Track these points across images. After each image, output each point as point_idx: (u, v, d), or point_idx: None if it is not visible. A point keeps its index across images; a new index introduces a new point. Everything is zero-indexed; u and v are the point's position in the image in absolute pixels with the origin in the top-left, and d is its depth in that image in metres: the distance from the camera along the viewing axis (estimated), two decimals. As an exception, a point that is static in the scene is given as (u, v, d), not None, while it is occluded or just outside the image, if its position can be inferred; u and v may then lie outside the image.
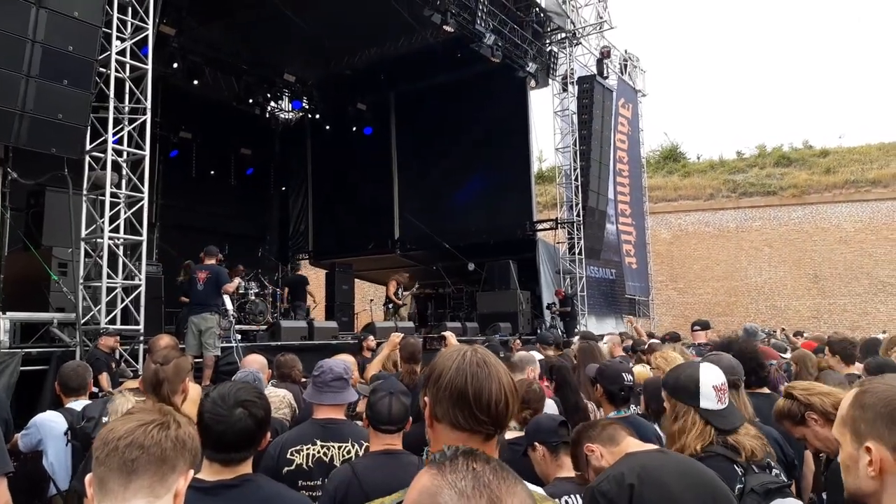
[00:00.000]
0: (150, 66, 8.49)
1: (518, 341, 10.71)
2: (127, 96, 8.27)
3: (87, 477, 1.38)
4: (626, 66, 20.72)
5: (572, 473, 2.64)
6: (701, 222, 27.17)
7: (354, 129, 19.63)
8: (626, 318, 19.30)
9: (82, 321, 7.58)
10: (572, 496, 2.49)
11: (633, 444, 2.25)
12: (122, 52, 8.27)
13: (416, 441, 2.87)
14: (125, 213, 8.08)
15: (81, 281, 7.78)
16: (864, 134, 60.94)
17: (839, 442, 1.40)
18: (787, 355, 6.37)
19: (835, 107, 61.60)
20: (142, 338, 7.76)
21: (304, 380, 5.06)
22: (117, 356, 7.52)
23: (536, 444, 2.80)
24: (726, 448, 2.32)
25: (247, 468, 2.04)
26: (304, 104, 20.58)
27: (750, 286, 25.86)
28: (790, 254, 25.59)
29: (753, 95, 66.79)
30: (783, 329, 15.09)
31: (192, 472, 1.44)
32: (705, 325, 7.53)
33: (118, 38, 8.22)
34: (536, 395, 3.43)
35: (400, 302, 14.27)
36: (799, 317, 24.09)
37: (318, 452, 3.00)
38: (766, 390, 3.58)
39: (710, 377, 2.40)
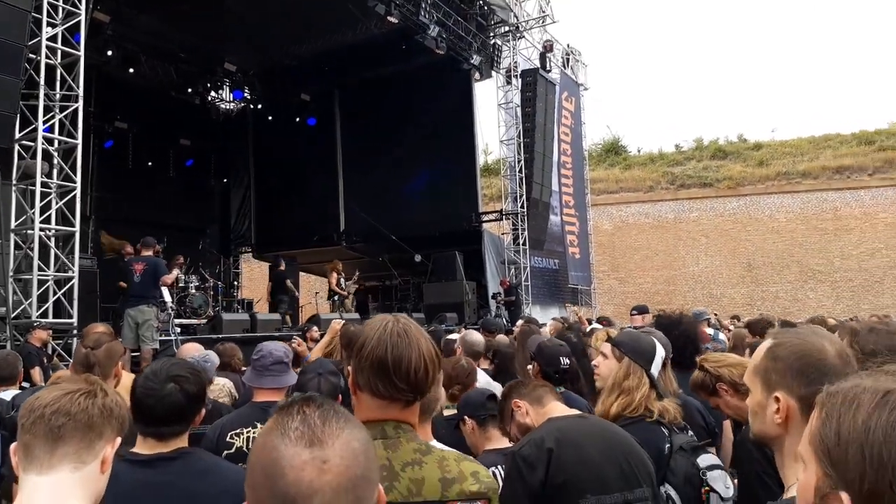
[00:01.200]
0: (82, 53, 8.24)
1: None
2: (58, 83, 8.01)
3: (13, 445, 1.37)
4: (568, 60, 21.02)
5: (500, 445, 2.73)
6: (641, 213, 27.86)
7: (298, 119, 19.37)
8: (568, 307, 19.67)
9: (12, 315, 7.34)
10: (499, 467, 2.57)
11: (557, 409, 2.34)
12: (53, 38, 8.00)
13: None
14: (57, 203, 7.83)
15: (11, 274, 7.53)
16: (795, 128, 63.31)
17: (749, 389, 1.50)
18: (721, 337, 7.02)
19: (768, 101, 63.96)
20: (75, 332, 7.56)
21: (243, 369, 5.03)
22: (50, 351, 7.31)
23: (466, 417, 2.87)
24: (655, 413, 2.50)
25: (182, 443, 2.04)
26: (245, 94, 20.20)
27: (687, 275, 26.67)
28: (725, 243, 26.48)
29: (692, 90, 68.71)
30: (716, 314, 15.65)
31: (119, 439, 1.44)
32: (643, 310, 7.77)
33: (49, 23, 7.94)
34: (464, 371, 3.50)
35: (345, 292, 14.20)
36: (734, 304, 24.97)
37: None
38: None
39: (662, 351, 2.67)
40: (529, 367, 3.65)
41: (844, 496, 0.85)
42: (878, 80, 61.32)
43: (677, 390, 3.04)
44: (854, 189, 25.78)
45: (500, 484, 2.48)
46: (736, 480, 2.33)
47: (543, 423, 2.24)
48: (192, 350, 4.26)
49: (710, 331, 7.26)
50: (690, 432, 2.60)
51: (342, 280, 14.24)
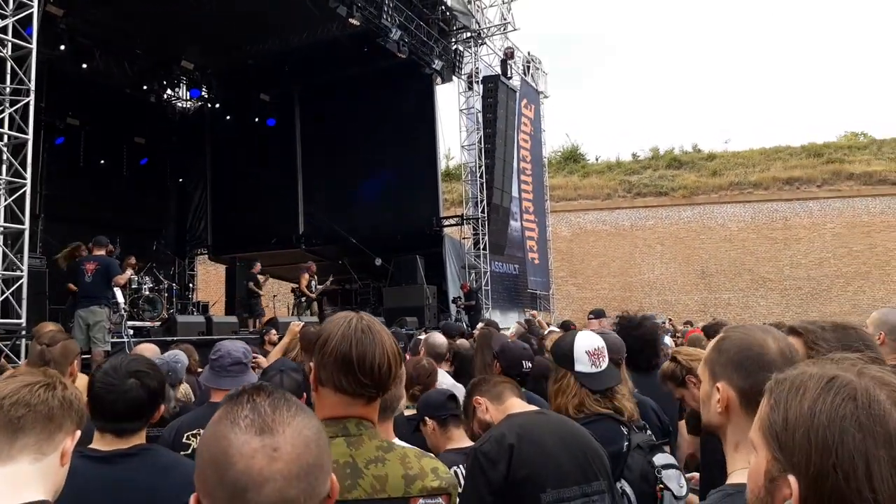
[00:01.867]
0: (34, 46, 7.98)
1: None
2: (9, 77, 7.75)
3: None
4: (528, 67, 21.25)
5: (461, 444, 2.74)
6: (599, 221, 28.29)
7: (257, 120, 19.09)
8: (528, 311, 19.82)
9: (-43, 315, 7.07)
10: (460, 466, 2.58)
11: (516, 405, 2.38)
12: (3, 30, 7.73)
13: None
14: (6, 199, 7.57)
15: (-44, 272, 7.25)
16: (748, 139, 65.14)
17: (701, 379, 1.56)
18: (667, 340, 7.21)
19: (722, 113, 65.63)
20: (24, 332, 7.31)
21: (199, 370, 4.94)
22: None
23: (426, 418, 2.87)
24: (613, 409, 2.52)
25: (141, 439, 2.01)
26: (203, 93, 19.84)
27: (643, 281, 27.15)
28: (680, 251, 27.06)
29: (649, 100, 70.08)
30: (670, 319, 15.99)
31: (79, 432, 1.42)
32: (600, 314, 7.92)
33: (-1, 14, 7.70)
34: (425, 371, 3.50)
35: (313, 295, 14.04)
36: (688, 310, 25.50)
37: (216, 436, 2.95)
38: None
39: (584, 343, 2.60)
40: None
41: (792, 479, 0.88)
42: (828, 95, 63.64)
43: (632, 389, 3.10)
44: (803, 200, 26.63)
45: (461, 482, 2.50)
46: (692, 476, 2.39)
47: (503, 419, 2.27)
48: (148, 350, 4.17)
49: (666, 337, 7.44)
50: (649, 431, 2.64)
51: (313, 283, 14.07)
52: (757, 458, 0.97)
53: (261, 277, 13.68)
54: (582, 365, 2.55)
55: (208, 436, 0.90)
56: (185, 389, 4.33)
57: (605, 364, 2.60)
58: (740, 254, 26.48)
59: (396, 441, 2.21)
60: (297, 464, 0.87)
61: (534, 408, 2.43)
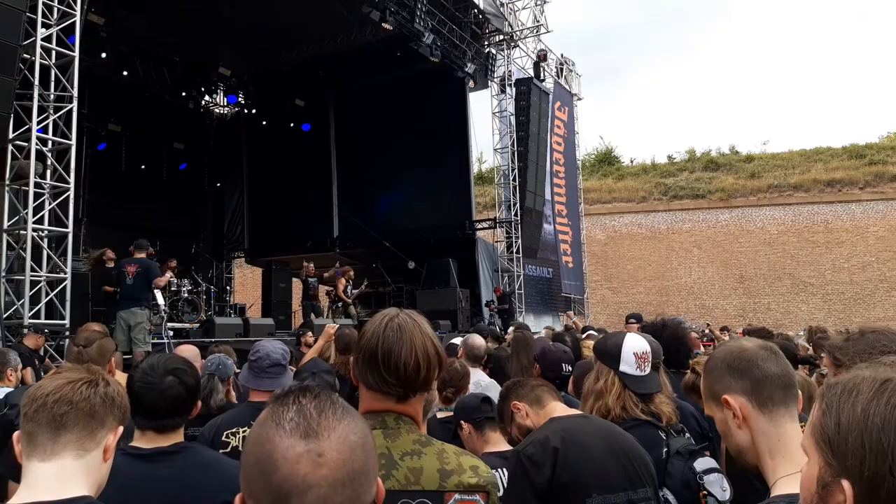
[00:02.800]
0: (76, 54, 8.21)
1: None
2: (52, 84, 7.99)
3: (16, 434, 1.37)
4: (562, 69, 21.14)
5: (499, 447, 2.72)
6: (634, 224, 27.96)
7: (292, 125, 19.36)
8: (563, 315, 19.71)
9: (4, 315, 7.28)
10: (499, 470, 2.56)
11: (558, 409, 2.33)
12: (47, 39, 7.98)
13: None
14: (50, 204, 7.79)
15: (3, 274, 7.47)
16: (786, 141, 63.94)
17: (714, 414, 1.53)
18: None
19: (760, 114, 64.45)
20: (67, 333, 7.50)
21: (237, 371, 5.00)
22: (42, 353, 7.25)
23: (462, 422, 2.86)
24: (651, 415, 2.46)
25: (180, 436, 2.04)
26: (239, 98, 20.18)
27: (680, 286, 26.75)
28: (718, 255, 26.60)
29: (685, 101, 69.19)
30: (708, 324, 15.71)
31: (121, 428, 1.44)
32: (639, 318, 7.82)
33: (44, 24, 7.93)
34: (457, 374, 3.49)
35: (349, 300, 14.13)
36: (726, 315, 25.05)
37: (255, 435, 2.98)
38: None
39: (632, 345, 2.53)
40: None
41: (846, 484, 0.86)
42: (869, 95, 62.05)
43: (671, 394, 3.05)
44: (845, 202, 25.99)
45: (502, 485, 2.47)
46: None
47: (546, 422, 2.23)
48: (189, 351, 4.24)
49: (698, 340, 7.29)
50: (688, 435, 2.57)
51: (349, 288, 14.17)
52: (809, 464, 0.95)
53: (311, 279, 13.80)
54: (627, 366, 2.50)
55: (253, 437, 0.89)
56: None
57: (648, 369, 2.54)
58: (780, 257, 25.93)
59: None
60: (342, 470, 0.85)
61: (576, 411, 2.39)
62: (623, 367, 2.49)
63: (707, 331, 12.95)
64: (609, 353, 2.55)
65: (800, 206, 26.38)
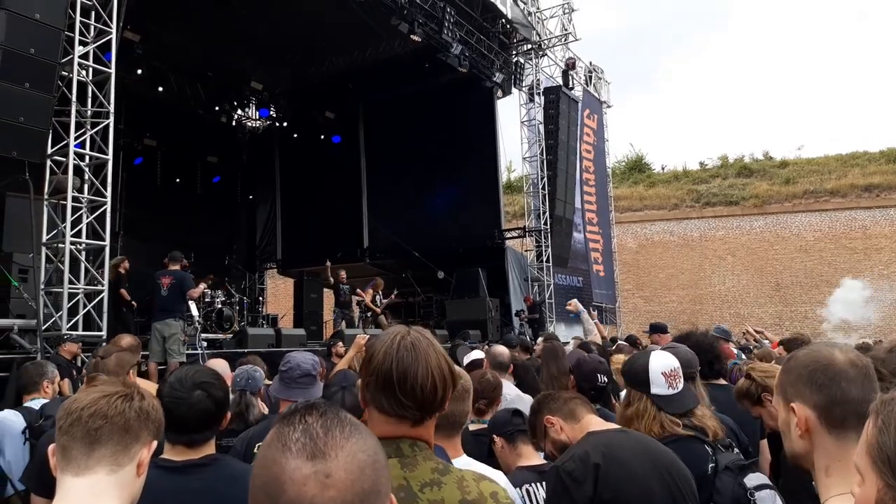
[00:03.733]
0: (113, 71, 8.39)
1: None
2: (89, 100, 8.16)
3: (51, 447, 1.38)
4: (590, 77, 21.05)
5: (532, 462, 2.68)
6: (666, 231, 27.62)
7: (323, 137, 19.61)
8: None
9: (43, 327, 7.43)
10: (533, 485, 2.51)
11: (594, 423, 2.29)
12: (84, 56, 8.16)
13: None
14: (87, 217, 7.94)
15: (42, 287, 7.62)
16: (822, 145, 62.70)
17: (778, 410, 1.47)
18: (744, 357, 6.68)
19: (794, 119, 63.35)
20: (104, 344, 7.63)
21: (267, 382, 5.03)
22: (79, 363, 7.37)
23: (495, 437, 2.83)
24: (694, 429, 2.39)
25: (211, 448, 2.04)
26: (271, 112, 20.49)
27: (714, 294, 26.32)
28: (752, 262, 26.12)
29: (716, 107, 68.33)
30: (746, 332, 15.29)
31: (155, 443, 1.44)
32: (662, 329, 7.66)
33: (81, 41, 8.11)
34: (490, 385, 3.44)
35: (378, 310, 14.18)
36: (762, 324, 24.47)
37: (285, 447, 2.98)
38: (722, 382, 3.68)
39: (659, 364, 2.45)
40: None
41: None
42: (907, 98, 60.50)
43: (709, 406, 2.98)
44: (884, 207, 25.35)
45: (537, 501, 2.42)
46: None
47: (584, 437, 2.18)
48: (219, 365, 4.28)
49: (734, 350, 7.10)
50: (737, 450, 2.48)
51: (378, 298, 14.22)
52: (865, 486, 0.90)
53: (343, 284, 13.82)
54: (658, 387, 2.42)
55: (260, 460, 0.87)
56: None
57: (681, 385, 2.46)
58: (817, 264, 25.37)
59: (458, 460, 2.16)
60: (351, 491, 0.82)
61: (614, 425, 2.34)
62: (654, 390, 2.42)
63: (744, 340, 12.67)
64: (637, 376, 2.48)
65: (837, 211, 25.80)
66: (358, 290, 14.18)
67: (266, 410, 4.28)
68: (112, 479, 1.34)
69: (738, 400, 2.90)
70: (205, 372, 2.17)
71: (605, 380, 3.33)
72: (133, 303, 11.08)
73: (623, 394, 2.61)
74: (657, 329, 7.54)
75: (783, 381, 1.43)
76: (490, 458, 2.71)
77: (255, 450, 2.98)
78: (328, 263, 14.12)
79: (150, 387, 2.80)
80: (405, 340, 1.46)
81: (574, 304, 6.94)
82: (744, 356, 7.44)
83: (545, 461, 2.71)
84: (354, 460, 0.85)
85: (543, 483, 2.44)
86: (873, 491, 0.87)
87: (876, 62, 68.58)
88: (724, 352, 4.75)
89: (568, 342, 8.73)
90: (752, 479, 2.25)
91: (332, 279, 13.84)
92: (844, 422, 1.32)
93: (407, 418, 1.44)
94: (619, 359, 4.60)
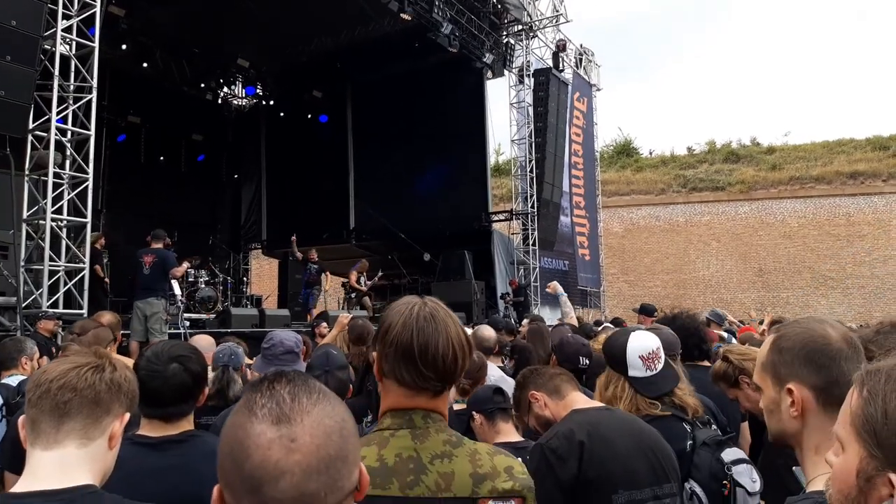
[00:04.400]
0: (96, 45, 8.26)
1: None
2: (72, 75, 8.04)
3: (20, 419, 1.36)
4: (581, 60, 20.95)
5: (510, 438, 2.69)
6: (652, 216, 27.72)
7: (310, 116, 19.42)
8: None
9: (23, 305, 7.35)
10: None
11: (579, 400, 2.28)
12: (67, 30, 8.03)
13: (355, 412, 2.88)
14: (69, 194, 7.85)
15: (23, 264, 7.54)
16: (808, 132, 63.05)
17: (761, 388, 1.46)
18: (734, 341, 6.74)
19: (781, 105, 63.60)
20: (81, 320, 7.57)
21: (248, 362, 5.01)
22: (59, 341, 7.31)
23: (474, 413, 2.84)
24: (674, 407, 2.41)
25: (189, 424, 2.02)
26: (257, 90, 20.28)
27: (698, 279, 26.51)
28: (737, 248, 26.31)
29: (704, 92, 68.45)
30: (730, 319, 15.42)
31: (127, 415, 1.42)
32: (649, 311, 7.72)
33: (64, 15, 7.97)
34: (475, 365, 3.45)
35: (364, 289, 14.16)
36: (744, 309, 24.74)
37: (267, 424, 2.97)
38: (706, 363, 3.71)
39: (637, 346, 2.46)
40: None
41: (894, 477, 0.81)
42: (894, 85, 60.91)
43: (689, 385, 3.01)
44: (868, 195, 25.56)
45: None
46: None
47: (568, 414, 2.18)
48: (204, 341, 4.25)
49: (724, 334, 7.14)
50: (714, 426, 2.51)
51: (363, 278, 14.21)
52: (845, 455, 0.90)
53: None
54: (635, 370, 2.44)
55: (228, 426, 0.86)
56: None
57: (660, 365, 2.47)
58: (800, 251, 25.60)
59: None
60: (316, 455, 0.82)
61: (598, 403, 2.33)
62: (632, 372, 2.44)
63: (729, 324, 12.76)
64: (616, 357, 2.49)
65: (821, 198, 25.99)
66: (326, 273, 14.11)
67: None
68: (82, 453, 1.32)
69: (714, 382, 2.92)
70: (182, 346, 2.14)
71: (587, 362, 3.33)
72: (106, 280, 10.98)
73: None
74: (645, 311, 7.61)
75: (776, 361, 1.40)
76: (468, 435, 2.72)
77: (236, 428, 2.96)
78: (293, 238, 14.06)
79: (127, 362, 2.78)
80: (424, 310, 1.46)
81: (553, 286, 6.97)
82: (733, 340, 7.51)
83: (523, 439, 2.72)
84: (320, 425, 0.84)
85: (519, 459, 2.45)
86: (855, 461, 0.87)
87: (865, 48, 68.89)
88: (707, 333, 4.78)
89: (552, 325, 8.77)
90: (729, 454, 2.28)
91: (298, 254, 13.78)
92: (842, 401, 1.32)
93: (427, 389, 1.43)
94: (602, 339, 4.63)
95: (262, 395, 0.86)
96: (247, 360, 4.23)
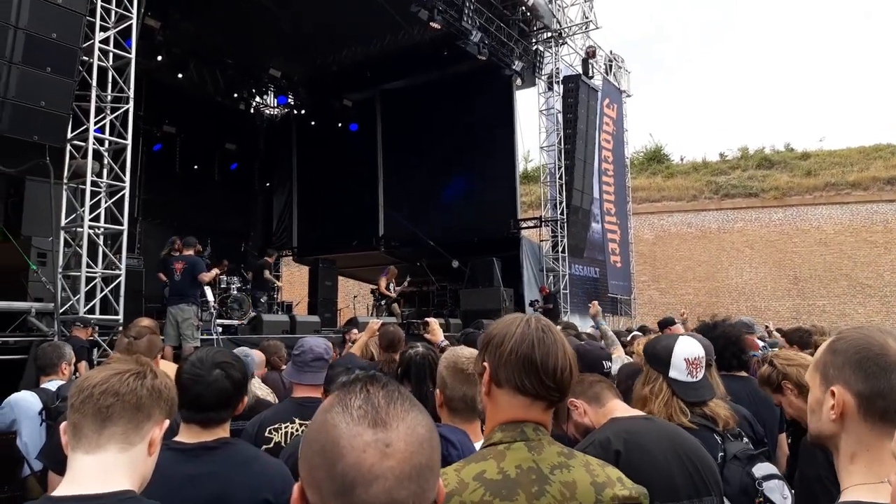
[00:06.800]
0: (133, 56, 8.44)
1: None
2: (110, 85, 8.22)
3: (62, 424, 1.39)
4: (610, 66, 20.83)
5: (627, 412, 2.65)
6: (683, 223, 27.37)
7: (340, 125, 19.60)
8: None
9: (60, 311, 7.52)
10: None
11: (618, 408, 2.24)
12: (105, 41, 8.22)
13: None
14: (106, 202, 8.02)
15: (60, 270, 7.71)
16: (844, 137, 61.64)
17: (810, 386, 1.43)
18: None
19: (816, 110, 62.48)
20: (120, 328, 7.71)
21: (283, 367, 5.08)
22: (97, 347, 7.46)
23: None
24: (705, 419, 2.36)
25: (225, 431, 2.05)
26: (289, 99, 20.52)
27: (731, 287, 26.09)
28: (771, 255, 25.84)
29: (737, 98, 67.51)
30: (767, 326, 15.14)
31: (167, 422, 1.45)
32: (669, 323, 7.68)
33: (102, 27, 8.17)
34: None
35: (393, 296, 14.23)
36: (779, 317, 24.31)
37: (297, 430, 3.00)
38: (744, 374, 3.65)
39: (684, 350, 2.42)
40: None
41: None
42: (933, 90, 59.40)
43: (725, 395, 2.95)
44: (906, 201, 24.96)
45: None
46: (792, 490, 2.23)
47: (606, 422, 2.14)
48: (257, 357, 4.33)
49: (760, 343, 7.04)
50: (745, 439, 2.45)
51: (392, 285, 14.30)
52: None
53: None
54: (677, 372, 2.39)
55: (318, 423, 0.86)
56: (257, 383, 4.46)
57: (701, 374, 2.42)
58: (836, 258, 25.04)
59: (481, 443, 2.16)
60: (409, 463, 0.81)
61: (639, 412, 2.29)
62: (673, 374, 2.39)
63: (764, 333, 12.55)
64: (658, 357, 2.45)
65: (858, 204, 25.42)
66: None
67: (261, 395, 4.32)
68: (123, 458, 1.35)
69: (760, 387, 2.88)
70: (225, 353, 2.19)
71: (610, 364, 3.31)
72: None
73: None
74: (665, 324, 7.55)
75: (827, 362, 1.37)
76: None
77: (267, 433, 3.00)
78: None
79: (171, 369, 2.84)
80: (539, 323, 1.50)
81: (595, 306, 6.97)
82: (771, 349, 7.38)
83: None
84: (414, 433, 0.85)
85: None
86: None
87: (902, 53, 67.33)
88: (748, 342, 4.71)
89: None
90: (760, 469, 2.23)
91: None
92: (885, 414, 1.28)
93: (545, 399, 1.46)
94: (643, 342, 4.56)
95: (357, 396, 0.86)
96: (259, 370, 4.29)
